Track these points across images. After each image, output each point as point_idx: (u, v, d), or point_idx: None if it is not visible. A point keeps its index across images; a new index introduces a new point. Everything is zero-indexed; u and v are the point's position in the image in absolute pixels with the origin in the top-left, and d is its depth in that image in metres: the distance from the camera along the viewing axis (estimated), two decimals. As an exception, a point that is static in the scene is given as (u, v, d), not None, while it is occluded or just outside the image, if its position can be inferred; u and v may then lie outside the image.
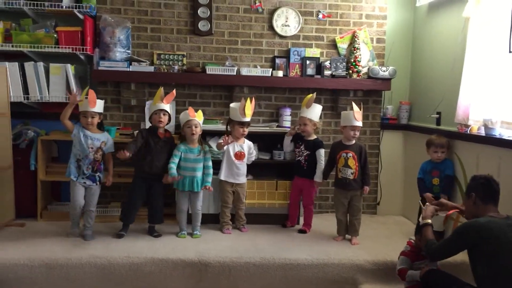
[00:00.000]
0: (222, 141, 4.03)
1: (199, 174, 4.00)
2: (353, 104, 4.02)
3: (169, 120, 4.04)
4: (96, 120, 3.84)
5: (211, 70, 4.50)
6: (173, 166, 3.92)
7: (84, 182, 3.83)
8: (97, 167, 3.86)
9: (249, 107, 4.04)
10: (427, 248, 2.88)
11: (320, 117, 4.30)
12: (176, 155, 3.97)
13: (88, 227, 3.86)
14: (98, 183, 3.89)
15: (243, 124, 4.09)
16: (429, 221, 3.01)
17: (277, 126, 4.66)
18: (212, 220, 4.21)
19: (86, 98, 3.78)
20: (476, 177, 2.82)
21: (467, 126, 3.76)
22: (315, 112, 4.16)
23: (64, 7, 4.27)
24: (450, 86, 4.09)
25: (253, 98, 4.13)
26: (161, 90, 3.94)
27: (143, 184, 3.94)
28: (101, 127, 3.98)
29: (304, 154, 4.19)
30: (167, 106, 3.94)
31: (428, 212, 3.10)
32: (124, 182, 4.36)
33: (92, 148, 3.81)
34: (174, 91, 4.03)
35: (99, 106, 3.84)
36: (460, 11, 3.86)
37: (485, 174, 2.83)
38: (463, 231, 2.66)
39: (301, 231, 4.23)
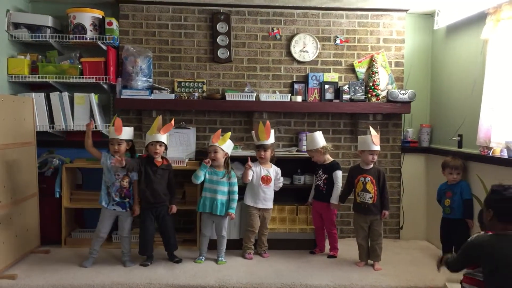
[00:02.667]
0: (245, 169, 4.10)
1: (219, 197, 4.01)
2: (370, 128, 4.02)
3: (165, 149, 4.04)
4: (123, 147, 3.90)
5: (230, 96, 4.57)
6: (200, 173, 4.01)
7: (114, 209, 3.89)
8: (125, 193, 3.91)
9: (263, 130, 4.07)
10: (446, 263, 2.85)
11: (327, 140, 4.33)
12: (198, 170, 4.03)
13: (126, 253, 3.91)
14: (128, 209, 3.93)
15: (259, 147, 4.13)
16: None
17: (297, 151, 4.68)
18: (232, 246, 4.21)
19: (113, 125, 3.87)
20: (497, 192, 2.69)
21: (489, 148, 3.72)
22: (316, 140, 4.17)
23: (88, 39, 4.41)
24: (470, 109, 4.06)
25: (267, 122, 4.16)
26: (158, 119, 3.96)
27: (151, 214, 3.96)
28: (132, 154, 4.05)
29: (323, 178, 4.19)
30: (163, 137, 3.94)
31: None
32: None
33: (118, 175, 3.87)
34: (173, 121, 4.07)
35: (126, 133, 3.91)
36: (479, 33, 3.85)
37: (506, 187, 2.68)
38: (467, 248, 2.66)
39: (331, 257, 4.20)
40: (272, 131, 4.18)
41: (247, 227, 4.18)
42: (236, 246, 4.22)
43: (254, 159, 4.21)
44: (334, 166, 4.19)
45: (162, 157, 4.04)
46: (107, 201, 3.88)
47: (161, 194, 3.95)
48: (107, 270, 3.75)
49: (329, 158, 4.25)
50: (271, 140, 4.17)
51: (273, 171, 4.22)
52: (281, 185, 4.29)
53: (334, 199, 4.13)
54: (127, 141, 3.94)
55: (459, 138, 4.26)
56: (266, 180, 4.15)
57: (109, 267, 3.83)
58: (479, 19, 3.93)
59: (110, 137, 3.91)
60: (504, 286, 2.47)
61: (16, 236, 3.82)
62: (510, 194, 2.62)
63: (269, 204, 4.20)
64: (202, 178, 4.04)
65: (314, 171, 4.32)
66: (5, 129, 3.70)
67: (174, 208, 4.02)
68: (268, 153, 4.16)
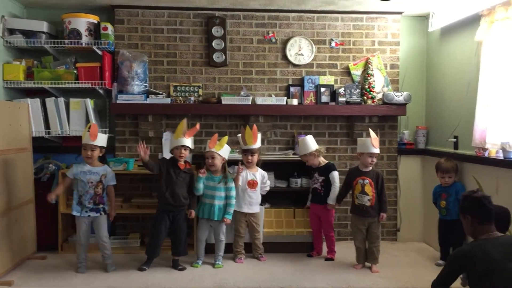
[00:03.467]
0: (236, 172, 4.10)
1: (217, 202, 4.01)
2: (370, 130, 4.02)
3: (190, 152, 4.06)
4: (97, 153, 3.85)
5: (226, 100, 4.57)
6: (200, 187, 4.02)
7: (89, 215, 3.84)
8: (98, 200, 3.86)
9: (250, 134, 4.06)
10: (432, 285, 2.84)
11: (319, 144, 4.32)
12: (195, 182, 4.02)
13: (106, 257, 3.88)
14: (102, 213, 3.89)
15: (246, 152, 4.13)
16: None
17: (293, 154, 4.68)
18: (229, 250, 4.20)
19: (88, 131, 3.81)
20: (467, 197, 2.73)
21: (484, 149, 3.73)
22: (307, 145, 4.17)
23: (84, 44, 4.41)
24: (466, 110, 4.08)
25: (254, 126, 4.14)
26: (183, 123, 3.93)
27: (167, 217, 3.93)
28: (103, 160, 4.01)
29: (320, 180, 4.19)
30: (188, 141, 3.94)
31: None
32: (142, 213, 4.41)
33: (92, 183, 3.83)
34: (198, 125, 4.04)
35: (100, 139, 3.86)
36: (473, 35, 3.87)
37: (475, 191, 2.74)
38: (451, 261, 2.68)
39: (328, 259, 4.20)
40: (259, 135, 4.18)
41: (234, 231, 4.19)
42: (228, 250, 4.20)
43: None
44: (330, 168, 4.20)
45: (185, 161, 4.03)
46: (79, 210, 3.82)
47: (181, 197, 3.93)
48: (104, 276, 3.75)
49: (323, 161, 4.25)
50: (258, 144, 4.16)
51: (260, 175, 4.21)
52: (267, 188, 4.28)
53: (331, 200, 4.14)
54: (100, 147, 3.88)
55: (455, 139, 4.27)
56: (252, 184, 4.15)
57: (105, 272, 3.82)
58: (473, 21, 3.94)
59: (84, 142, 3.83)
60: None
61: (13, 242, 3.81)
62: (479, 194, 2.67)
63: (255, 208, 4.19)
64: (202, 188, 4.03)
65: (310, 175, 4.32)
66: (0, 135, 3.69)
67: (193, 213, 4.01)
68: (255, 157, 4.16)
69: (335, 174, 4.16)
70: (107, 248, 3.90)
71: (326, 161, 4.27)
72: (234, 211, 4.11)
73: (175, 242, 3.98)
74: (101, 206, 3.88)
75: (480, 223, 2.61)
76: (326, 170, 4.19)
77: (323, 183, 4.18)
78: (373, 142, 3.92)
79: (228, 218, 4.02)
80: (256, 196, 4.17)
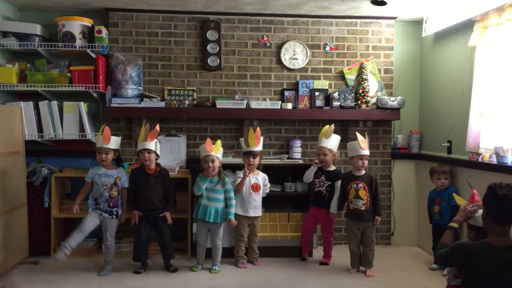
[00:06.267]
0: (241, 177, 4.08)
1: (213, 204, 3.99)
2: (357, 133, 4.04)
3: (157, 156, 4.01)
4: (111, 156, 3.91)
5: (221, 104, 4.56)
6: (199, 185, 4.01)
7: (101, 214, 3.87)
8: (113, 203, 3.89)
9: (253, 137, 4.06)
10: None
11: (338, 148, 4.30)
12: (199, 181, 4.02)
13: (108, 262, 3.88)
14: (114, 217, 3.91)
15: (249, 154, 4.11)
16: (456, 225, 2.80)
17: (288, 158, 4.68)
18: (225, 254, 4.16)
19: (101, 134, 3.85)
20: (491, 189, 2.47)
21: (478, 154, 3.75)
22: (334, 142, 4.20)
23: (78, 47, 4.39)
24: (459, 115, 4.10)
25: (257, 128, 4.14)
26: (144, 127, 3.93)
27: (146, 221, 3.94)
28: (118, 163, 4.04)
29: (326, 184, 4.19)
30: (151, 144, 3.92)
31: (461, 215, 2.82)
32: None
33: (106, 185, 3.86)
34: (158, 127, 4.00)
35: (114, 142, 3.91)
36: (466, 40, 3.90)
37: (504, 185, 2.43)
38: (452, 251, 2.54)
39: (323, 263, 4.20)
40: (261, 138, 4.17)
41: (236, 236, 4.17)
42: (227, 255, 4.19)
43: (241, 167, 4.19)
44: (338, 175, 4.20)
45: (157, 164, 4.02)
46: (94, 208, 3.89)
47: (155, 201, 3.93)
48: (98, 280, 3.71)
49: (332, 166, 4.26)
50: (260, 147, 4.15)
51: (261, 178, 4.21)
52: (268, 191, 4.29)
53: (333, 208, 4.14)
54: (114, 150, 3.93)
55: (448, 144, 4.30)
56: (256, 188, 4.14)
57: (99, 277, 3.79)
58: (467, 26, 3.97)
59: (98, 145, 3.89)
60: None
61: (5, 246, 3.77)
62: (504, 192, 2.39)
63: (259, 212, 4.19)
64: (204, 189, 4.01)
65: (315, 174, 4.27)
66: (-7, 139, 3.66)
67: (168, 216, 3.99)
68: (257, 160, 4.14)
69: (339, 184, 4.15)
70: (110, 253, 3.89)
71: (334, 167, 4.27)
72: (238, 215, 4.10)
73: (160, 245, 4.00)
74: (115, 209, 3.90)
75: (494, 222, 2.41)
76: (335, 176, 4.19)
77: (329, 188, 4.19)
78: (360, 145, 3.94)
79: (232, 218, 4.00)
80: (259, 199, 4.17)
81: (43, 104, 4.39)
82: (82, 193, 3.98)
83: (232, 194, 4.05)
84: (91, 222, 3.86)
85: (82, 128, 4.41)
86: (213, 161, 3.97)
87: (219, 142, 4.04)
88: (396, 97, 4.62)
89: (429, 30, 4.66)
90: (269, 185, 4.28)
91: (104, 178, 3.87)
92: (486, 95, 3.67)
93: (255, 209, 4.16)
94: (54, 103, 4.41)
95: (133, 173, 4.00)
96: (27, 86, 4.34)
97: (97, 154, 3.91)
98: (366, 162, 4.00)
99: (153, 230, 3.98)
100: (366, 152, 3.97)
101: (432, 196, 4.15)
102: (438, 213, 4.05)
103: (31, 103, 4.35)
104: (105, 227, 3.90)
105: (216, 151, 3.98)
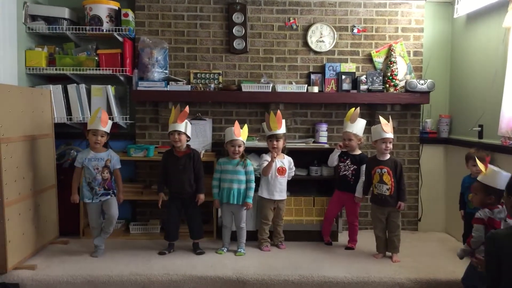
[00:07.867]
0: (268, 160, 4.07)
1: (235, 186, 3.99)
2: (380, 117, 3.97)
3: (188, 137, 4.01)
4: (105, 139, 3.91)
5: (246, 87, 4.54)
6: (215, 191, 4.04)
7: (99, 200, 3.88)
8: (107, 185, 3.90)
9: (274, 120, 4.02)
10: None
11: (364, 132, 4.24)
12: (217, 171, 4.04)
13: (105, 234, 3.93)
14: (112, 195, 3.93)
15: (271, 137, 4.08)
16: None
17: (314, 142, 4.64)
18: (249, 237, 4.18)
19: (97, 117, 3.82)
20: None
21: (510, 139, 3.64)
22: (359, 126, 4.14)
23: (105, 30, 4.42)
24: (492, 98, 3.98)
25: (278, 111, 4.09)
26: (174, 109, 3.92)
27: (178, 202, 3.98)
28: (105, 145, 4.02)
29: (351, 168, 4.15)
30: (181, 126, 3.91)
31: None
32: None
33: (97, 169, 3.86)
34: (187, 108, 3.95)
35: (109, 126, 3.92)
36: (500, 21, 3.76)
37: None
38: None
39: (348, 248, 4.18)
40: (284, 121, 4.14)
41: (261, 219, 4.17)
42: (252, 238, 4.20)
43: (265, 151, 4.18)
44: (363, 159, 4.15)
45: (187, 146, 4.03)
46: (90, 196, 3.86)
47: (185, 184, 3.94)
48: (125, 261, 3.78)
49: (358, 150, 4.21)
50: (283, 129, 4.11)
51: (287, 161, 4.19)
52: (293, 174, 4.27)
53: (359, 193, 4.10)
54: (107, 134, 3.93)
55: (479, 128, 4.18)
56: (281, 171, 4.12)
57: (127, 257, 3.86)
58: (501, 6, 3.83)
59: (93, 127, 3.82)
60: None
61: (35, 227, 3.86)
62: None
63: (284, 195, 4.18)
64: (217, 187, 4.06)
65: (340, 158, 4.23)
66: (23, 121, 3.73)
67: (201, 198, 4.00)
68: (281, 143, 4.11)
69: (364, 168, 4.10)
70: (111, 226, 3.93)
71: (360, 151, 4.23)
72: (263, 198, 4.11)
73: (189, 226, 4.05)
74: (111, 191, 3.93)
75: None
76: (360, 160, 4.14)
77: (354, 171, 4.15)
78: (383, 128, 3.87)
79: (250, 202, 4.01)
80: (284, 182, 4.16)
81: (71, 88, 4.45)
82: (76, 180, 3.91)
83: (252, 177, 4.04)
84: (95, 214, 3.90)
85: (109, 111, 4.44)
86: (239, 146, 3.97)
87: (246, 127, 4.03)
88: (426, 80, 4.52)
89: (461, 11, 4.52)
90: (294, 168, 4.26)
91: (94, 162, 3.85)
92: (521, 78, 3.54)
93: (281, 192, 4.14)
94: (82, 87, 4.47)
95: (164, 157, 4.02)
96: (56, 69, 4.40)
97: (90, 136, 3.84)
98: (390, 146, 3.92)
99: (183, 211, 4.02)
100: (389, 135, 3.90)
101: (467, 183, 3.95)
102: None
103: (60, 87, 4.42)
104: (107, 207, 3.89)
105: (244, 136, 3.98)
